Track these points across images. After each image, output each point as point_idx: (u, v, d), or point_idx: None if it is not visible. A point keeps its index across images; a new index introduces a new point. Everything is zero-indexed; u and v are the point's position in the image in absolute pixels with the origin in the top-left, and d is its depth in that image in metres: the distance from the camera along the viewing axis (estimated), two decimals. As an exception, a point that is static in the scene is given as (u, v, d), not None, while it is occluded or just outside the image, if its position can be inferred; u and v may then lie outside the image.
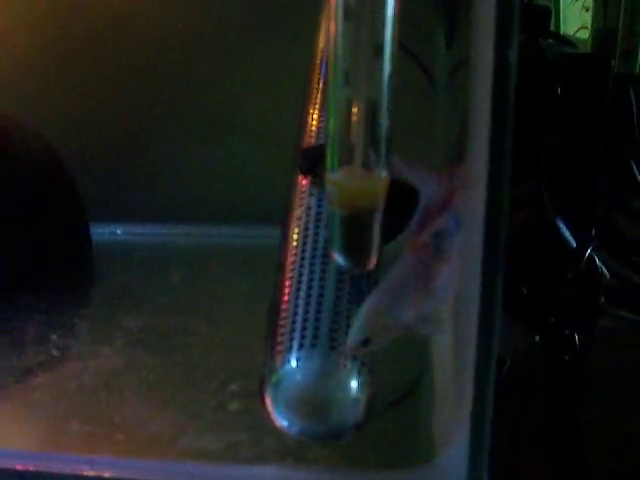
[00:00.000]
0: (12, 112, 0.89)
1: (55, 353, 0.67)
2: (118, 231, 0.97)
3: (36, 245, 0.82)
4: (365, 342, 0.46)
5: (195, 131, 0.95)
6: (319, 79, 0.62)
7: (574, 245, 0.71)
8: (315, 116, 0.59)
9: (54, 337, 0.69)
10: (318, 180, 0.54)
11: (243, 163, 0.94)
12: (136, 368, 0.64)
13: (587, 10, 0.99)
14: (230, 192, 0.94)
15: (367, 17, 0.41)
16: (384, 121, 0.43)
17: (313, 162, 0.55)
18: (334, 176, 0.44)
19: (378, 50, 0.42)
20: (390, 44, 0.42)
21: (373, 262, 0.46)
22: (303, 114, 0.61)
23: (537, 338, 0.71)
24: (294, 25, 0.91)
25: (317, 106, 0.60)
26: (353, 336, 0.47)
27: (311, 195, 0.54)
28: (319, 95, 0.61)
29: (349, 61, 0.42)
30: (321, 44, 0.65)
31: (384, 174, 0.44)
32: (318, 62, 0.63)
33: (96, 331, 0.71)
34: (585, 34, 0.98)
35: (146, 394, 0.61)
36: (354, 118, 0.43)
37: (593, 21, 0.96)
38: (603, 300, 0.72)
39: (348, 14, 0.41)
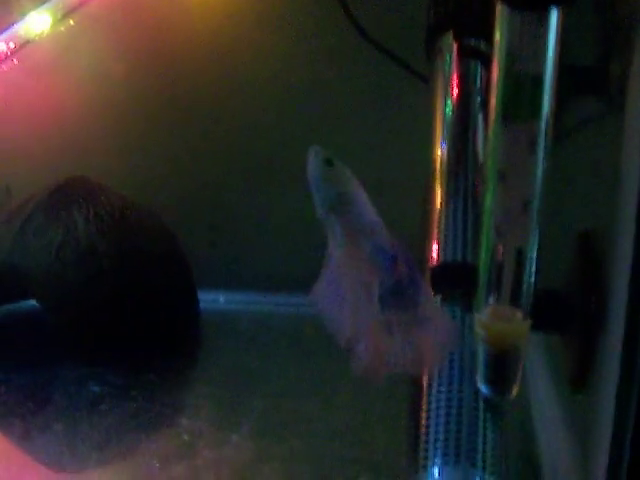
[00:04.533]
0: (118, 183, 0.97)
1: (187, 438, 0.71)
2: (220, 299, 1.01)
3: (151, 320, 0.87)
4: None
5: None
6: (442, 186, 0.65)
7: None
8: (441, 229, 0.63)
9: (184, 421, 0.73)
10: (449, 297, 0.57)
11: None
12: (266, 458, 0.68)
13: None
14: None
15: (518, 178, 0.45)
16: (530, 268, 0.47)
17: (446, 280, 0.58)
18: (483, 317, 0.47)
19: (526, 205, 0.46)
20: (538, 199, 0.46)
21: (515, 392, 0.49)
22: (426, 225, 0.64)
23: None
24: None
25: (442, 216, 0.64)
26: None
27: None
28: (442, 201, 0.65)
29: (500, 215, 0.46)
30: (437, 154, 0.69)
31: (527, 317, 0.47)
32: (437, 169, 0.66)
33: (222, 415, 0.75)
34: None
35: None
36: (503, 264, 0.47)
37: None
38: None
39: (501, 176, 0.45)
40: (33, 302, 0.89)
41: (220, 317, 0.97)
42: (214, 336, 0.92)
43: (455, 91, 0.79)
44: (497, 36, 0.43)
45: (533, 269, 0.47)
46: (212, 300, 1.00)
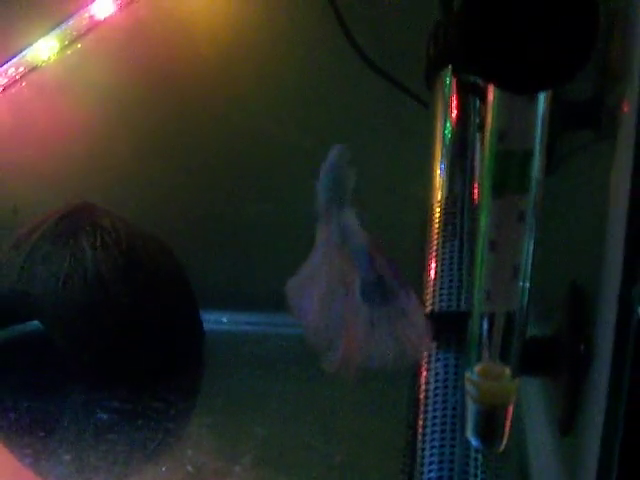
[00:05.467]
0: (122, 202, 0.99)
1: (191, 470, 0.73)
2: (224, 319, 1.02)
3: (156, 343, 0.89)
4: None
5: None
6: (438, 231, 0.67)
7: None
8: (435, 270, 0.65)
9: (189, 453, 0.75)
10: (444, 343, 0.59)
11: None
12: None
13: None
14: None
15: (508, 247, 0.47)
16: (520, 328, 0.49)
17: (441, 326, 0.60)
18: (472, 377, 0.50)
19: (516, 272, 0.47)
20: (529, 264, 0.48)
21: (503, 445, 0.51)
22: (424, 268, 0.66)
23: None
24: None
25: (436, 259, 0.66)
26: None
27: (437, 360, 0.59)
28: (437, 247, 0.66)
29: (491, 282, 0.48)
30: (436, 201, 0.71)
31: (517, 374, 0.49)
32: (436, 215, 0.68)
33: (225, 445, 0.76)
34: None
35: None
36: (494, 324, 0.49)
37: None
38: None
39: (492, 245, 0.47)
40: (37, 323, 0.92)
41: (224, 338, 0.99)
42: (218, 357, 0.94)
43: (454, 121, 0.81)
44: (488, 115, 0.45)
45: (523, 328, 0.49)
46: (215, 321, 1.01)
